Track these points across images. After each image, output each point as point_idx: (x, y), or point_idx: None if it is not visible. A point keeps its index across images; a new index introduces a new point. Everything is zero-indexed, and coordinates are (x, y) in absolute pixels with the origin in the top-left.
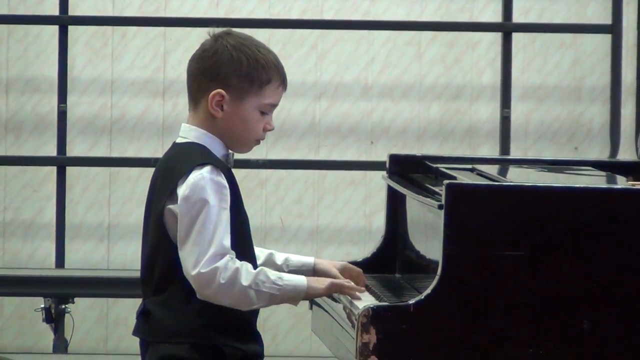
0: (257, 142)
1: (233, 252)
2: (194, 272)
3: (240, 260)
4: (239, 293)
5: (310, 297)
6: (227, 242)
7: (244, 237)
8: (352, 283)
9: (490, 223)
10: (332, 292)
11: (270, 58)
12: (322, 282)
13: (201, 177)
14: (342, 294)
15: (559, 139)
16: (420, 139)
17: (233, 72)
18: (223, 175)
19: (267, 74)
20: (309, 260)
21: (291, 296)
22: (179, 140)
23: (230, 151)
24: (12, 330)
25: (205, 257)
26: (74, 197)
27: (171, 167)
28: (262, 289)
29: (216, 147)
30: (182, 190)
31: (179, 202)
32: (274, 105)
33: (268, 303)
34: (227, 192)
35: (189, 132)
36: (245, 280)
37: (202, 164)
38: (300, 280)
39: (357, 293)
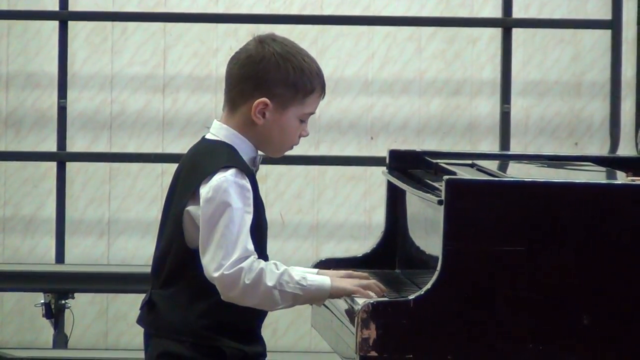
0: (291, 147)
1: (255, 254)
2: (217, 274)
3: None
4: (264, 294)
5: (335, 296)
6: (251, 245)
7: (262, 243)
8: (379, 284)
9: (490, 218)
10: (355, 293)
11: (314, 67)
12: (346, 282)
13: (224, 180)
14: (367, 291)
15: (559, 134)
16: (420, 135)
17: (279, 82)
18: (247, 179)
19: (311, 84)
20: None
21: (315, 296)
22: (209, 136)
23: (259, 154)
24: (12, 326)
25: (229, 260)
26: (74, 192)
27: (196, 165)
28: (286, 289)
29: (245, 149)
30: (204, 192)
31: (201, 203)
32: (313, 113)
33: (292, 303)
34: (251, 195)
35: (220, 131)
36: (270, 281)
37: (227, 167)
38: (324, 280)
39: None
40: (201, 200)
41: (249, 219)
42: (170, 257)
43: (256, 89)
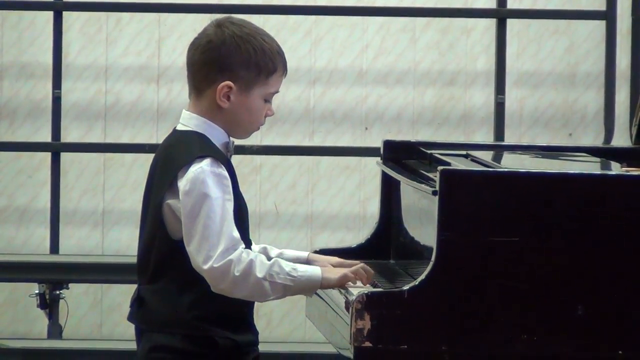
0: (258, 128)
1: (243, 243)
2: (206, 267)
3: None
4: (254, 285)
5: (325, 287)
6: (236, 233)
7: (243, 227)
8: (366, 267)
9: (484, 209)
10: (345, 282)
11: (274, 47)
12: (336, 272)
13: (201, 171)
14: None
15: (553, 125)
16: (415, 125)
17: (241, 64)
18: (223, 167)
19: (273, 63)
20: (303, 254)
21: (305, 287)
22: (180, 127)
23: (231, 139)
24: (7, 316)
25: (217, 251)
26: (69, 183)
27: (171, 157)
28: (276, 280)
29: (217, 136)
30: (182, 185)
31: (180, 197)
32: (277, 92)
33: (283, 294)
34: (229, 182)
35: (190, 120)
36: (259, 272)
37: (202, 157)
38: (315, 270)
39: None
40: (180, 194)
41: (230, 206)
42: (154, 250)
43: (219, 72)
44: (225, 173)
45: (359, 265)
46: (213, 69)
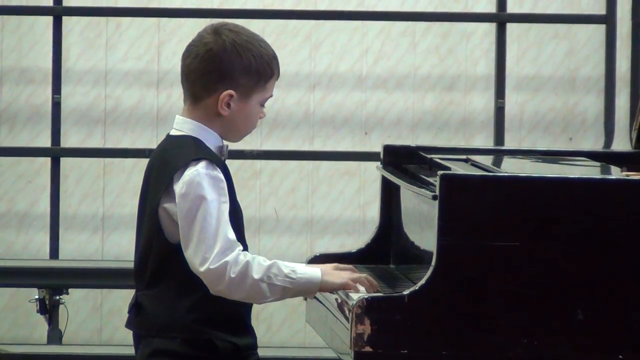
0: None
1: (240, 245)
2: (202, 269)
3: None
4: (251, 287)
5: (325, 290)
6: (232, 235)
7: (239, 230)
8: (370, 278)
9: (484, 214)
10: (345, 289)
11: (270, 52)
12: (337, 277)
13: (197, 173)
14: (357, 285)
15: (553, 129)
16: (415, 130)
17: (243, 72)
18: (219, 169)
19: (270, 68)
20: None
21: (305, 289)
22: (173, 132)
23: (224, 142)
24: (6, 322)
25: (212, 253)
26: (68, 188)
27: (166, 161)
28: (274, 282)
29: (211, 140)
30: (178, 188)
31: (176, 200)
32: (271, 96)
33: (282, 296)
34: (224, 185)
35: (184, 125)
36: (256, 274)
37: (197, 160)
38: (314, 272)
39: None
40: (176, 197)
41: (225, 208)
42: (152, 255)
43: (219, 81)
44: (221, 175)
45: (363, 275)
46: (213, 78)
